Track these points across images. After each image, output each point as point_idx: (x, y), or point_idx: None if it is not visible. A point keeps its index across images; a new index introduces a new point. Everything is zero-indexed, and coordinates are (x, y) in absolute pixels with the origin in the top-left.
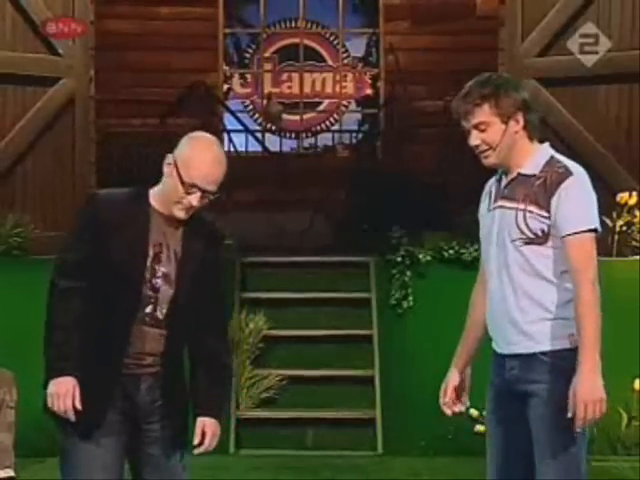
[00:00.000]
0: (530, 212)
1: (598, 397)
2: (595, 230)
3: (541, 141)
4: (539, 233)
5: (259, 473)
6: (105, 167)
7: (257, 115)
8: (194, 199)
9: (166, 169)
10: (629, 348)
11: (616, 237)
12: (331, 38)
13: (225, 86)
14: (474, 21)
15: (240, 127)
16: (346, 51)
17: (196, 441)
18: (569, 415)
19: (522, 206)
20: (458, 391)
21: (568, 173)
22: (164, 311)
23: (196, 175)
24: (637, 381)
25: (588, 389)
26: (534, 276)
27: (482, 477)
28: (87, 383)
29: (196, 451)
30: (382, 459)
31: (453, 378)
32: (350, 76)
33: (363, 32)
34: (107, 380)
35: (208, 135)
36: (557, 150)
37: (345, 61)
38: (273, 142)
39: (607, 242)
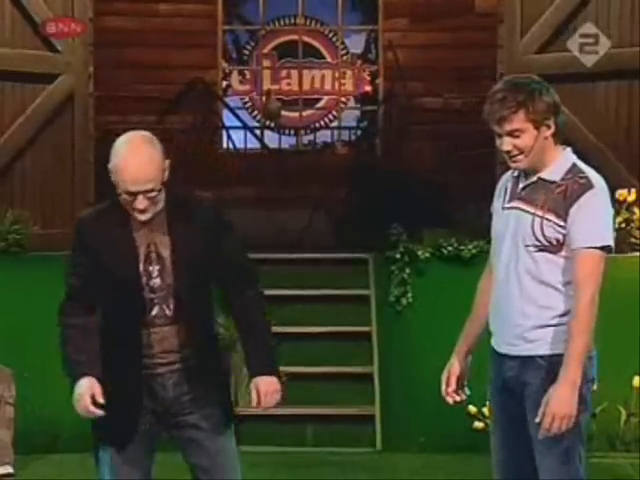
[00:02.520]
0: (548, 220)
1: (567, 413)
2: (607, 248)
3: (561, 144)
4: (554, 242)
5: (258, 470)
6: (104, 164)
7: (256, 112)
8: (139, 203)
9: (112, 178)
10: (628, 345)
11: (615, 234)
12: (330, 35)
13: (224, 83)
14: (473, 18)
15: (239, 124)
16: (345, 48)
17: (253, 403)
18: (536, 420)
19: (540, 213)
20: (459, 380)
21: (589, 185)
22: (171, 307)
23: (126, 181)
24: (636, 378)
25: (560, 403)
26: (541, 283)
27: (480, 474)
28: (111, 394)
29: (258, 409)
30: (381, 456)
31: (455, 367)
32: (349, 73)
33: (362, 29)
34: (129, 389)
35: (133, 134)
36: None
37: (344, 58)
38: (272, 139)
39: None
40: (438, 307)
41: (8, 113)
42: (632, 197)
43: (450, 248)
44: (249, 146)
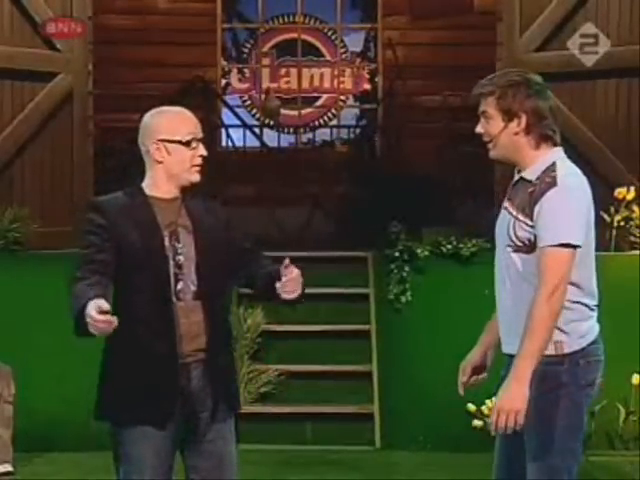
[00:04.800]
0: (518, 220)
1: (514, 408)
2: (572, 245)
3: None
4: (526, 242)
5: (257, 468)
6: (103, 162)
7: (255, 110)
8: (201, 150)
9: (157, 155)
10: (627, 343)
11: (614, 232)
12: (329, 33)
13: (223, 81)
14: (472, 16)
15: (238, 122)
16: (344, 46)
17: (280, 285)
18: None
19: (515, 213)
20: (476, 371)
21: (553, 183)
22: (195, 282)
23: (189, 126)
24: (635, 376)
25: (507, 399)
26: (523, 282)
27: (479, 472)
28: (143, 374)
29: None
30: (380, 454)
31: (473, 356)
32: (348, 71)
33: (361, 27)
34: (166, 369)
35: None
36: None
37: (343, 56)
38: (271, 137)
39: (605, 237)
40: (437, 305)
41: (7, 111)
42: (631, 195)
43: (449, 246)
44: (248, 145)
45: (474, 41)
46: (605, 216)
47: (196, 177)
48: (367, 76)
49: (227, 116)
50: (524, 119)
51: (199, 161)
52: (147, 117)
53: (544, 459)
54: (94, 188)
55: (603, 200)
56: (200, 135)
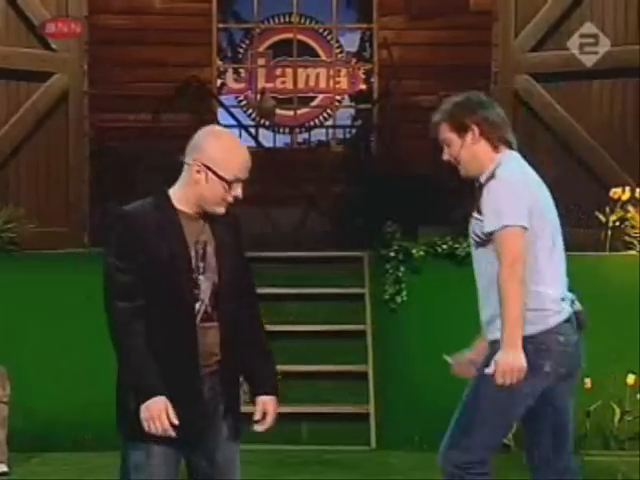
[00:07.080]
0: (474, 218)
1: (516, 366)
2: (516, 226)
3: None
4: (482, 236)
5: (253, 468)
6: (99, 162)
7: (251, 110)
8: (239, 191)
9: (197, 175)
10: (622, 343)
11: (609, 232)
12: (325, 33)
13: (219, 81)
14: (468, 16)
15: (234, 122)
16: (340, 46)
17: (257, 417)
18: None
19: (474, 214)
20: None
21: (492, 177)
22: (212, 303)
23: (237, 169)
24: (630, 376)
25: (506, 361)
26: (483, 275)
27: None
28: (169, 395)
29: (258, 428)
30: (375, 454)
31: (474, 351)
32: (344, 71)
33: (357, 27)
34: (188, 385)
35: (219, 127)
36: (551, 146)
37: (339, 56)
38: (267, 137)
39: (601, 237)
40: (433, 305)
41: (2, 111)
42: (626, 195)
43: (445, 246)
44: (244, 144)
45: (470, 41)
46: (600, 216)
47: (222, 211)
48: (363, 76)
49: (222, 116)
50: (476, 129)
51: (231, 200)
52: (204, 135)
53: (462, 434)
54: (89, 188)
55: (598, 200)
56: (245, 177)
